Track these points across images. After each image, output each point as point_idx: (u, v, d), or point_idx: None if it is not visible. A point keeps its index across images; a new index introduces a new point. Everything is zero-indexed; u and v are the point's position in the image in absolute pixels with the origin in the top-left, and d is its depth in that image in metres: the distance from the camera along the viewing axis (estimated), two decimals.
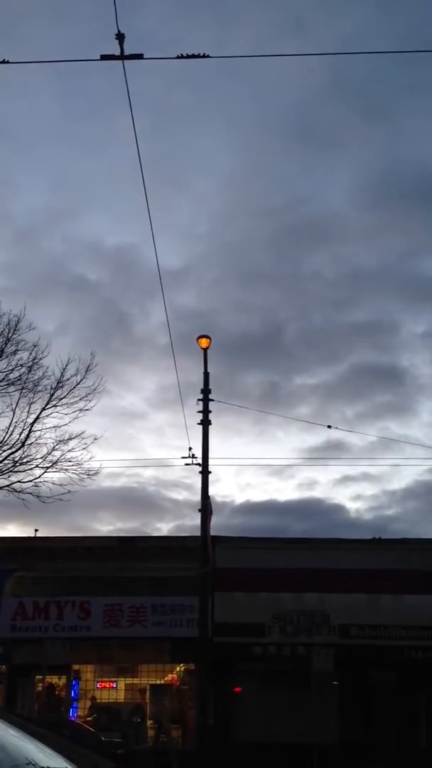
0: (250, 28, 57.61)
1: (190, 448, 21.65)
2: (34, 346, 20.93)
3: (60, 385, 21.03)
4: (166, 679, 22.47)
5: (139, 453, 60.13)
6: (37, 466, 20.61)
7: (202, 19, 61.52)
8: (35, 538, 24.97)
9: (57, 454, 20.82)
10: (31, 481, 20.41)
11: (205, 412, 20.98)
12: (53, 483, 20.57)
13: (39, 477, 20.48)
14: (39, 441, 20.89)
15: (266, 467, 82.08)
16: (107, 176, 63.43)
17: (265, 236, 58.68)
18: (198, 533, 20.79)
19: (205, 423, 20.86)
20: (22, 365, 20.86)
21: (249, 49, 53.93)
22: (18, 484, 20.35)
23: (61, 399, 21.08)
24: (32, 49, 55.57)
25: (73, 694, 22.20)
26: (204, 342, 21.49)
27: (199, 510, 20.66)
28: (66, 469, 20.81)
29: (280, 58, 55.70)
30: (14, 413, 20.77)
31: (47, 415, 20.97)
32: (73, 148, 64.26)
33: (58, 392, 21.04)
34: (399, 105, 62.88)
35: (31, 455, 20.71)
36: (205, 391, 21.26)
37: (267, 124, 59.63)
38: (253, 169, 60.59)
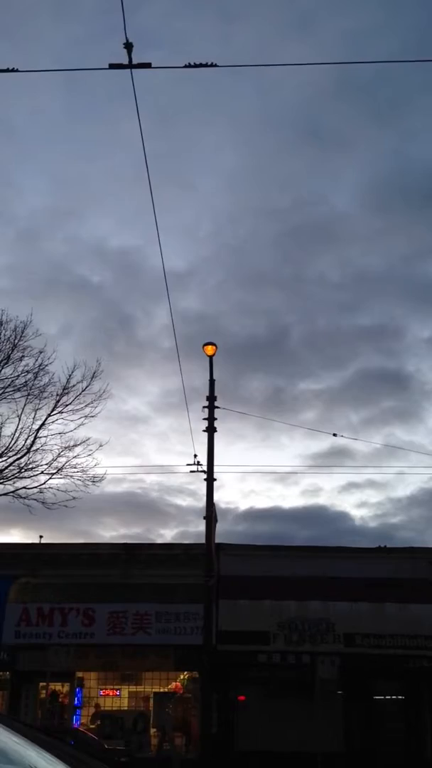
0: (255, 24, 57.75)
1: (195, 455, 21.62)
2: (40, 352, 21.02)
3: (66, 391, 21.10)
4: (169, 686, 22.41)
5: (143, 458, 60.13)
6: (42, 473, 20.65)
7: (208, 16, 61.69)
8: (40, 544, 24.96)
9: (62, 460, 20.86)
10: (36, 487, 20.44)
11: (211, 419, 20.93)
12: (58, 489, 20.62)
13: (44, 483, 20.52)
14: (44, 447, 20.94)
15: (270, 473, 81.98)
16: (110, 177, 63.50)
17: (270, 238, 58.72)
18: (202, 540, 20.74)
19: (211, 431, 20.81)
20: (28, 371, 20.94)
21: (255, 46, 53.71)
22: (23, 490, 20.39)
23: (67, 405, 21.14)
24: (37, 47, 55.89)
25: (76, 701, 22.16)
26: (210, 349, 21.41)
27: (204, 518, 20.61)
28: (71, 476, 20.84)
29: (286, 55, 55.81)
30: (20, 419, 20.83)
31: (53, 422, 21.03)
32: (76, 148, 64.37)
33: (64, 398, 21.11)
34: (407, 105, 62.99)
35: (36, 461, 20.76)
36: (211, 398, 21.22)
37: (272, 124, 59.72)
38: (257, 170, 60.66)
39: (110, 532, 68.54)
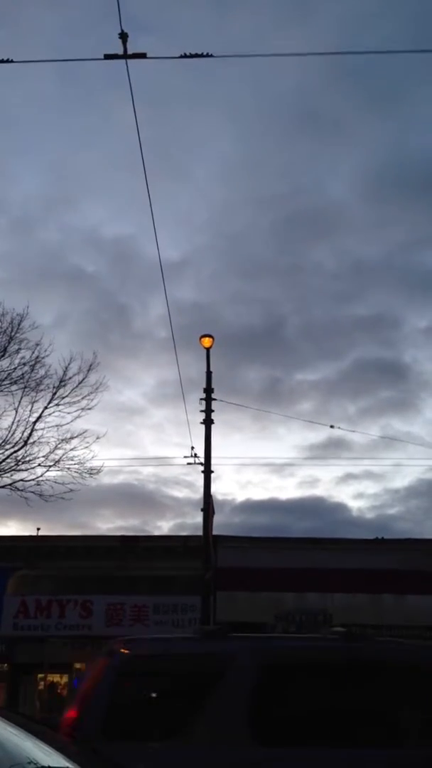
0: (250, 9, 57.09)
1: (192, 448, 21.63)
2: (37, 344, 21.01)
3: (62, 383, 21.09)
4: None
5: (139, 449, 59.95)
6: (39, 465, 20.66)
7: (202, 1, 60.99)
8: (38, 536, 24.99)
9: (59, 452, 20.87)
10: (33, 479, 20.45)
11: (208, 412, 20.85)
12: (55, 482, 20.62)
13: (41, 476, 20.52)
14: (41, 440, 20.94)
15: (267, 465, 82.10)
16: (104, 165, 62.88)
17: (266, 226, 58.30)
18: (199, 531, 20.76)
19: (208, 423, 20.75)
20: (24, 364, 20.92)
21: (250, 32, 53.15)
22: (20, 482, 20.40)
23: (64, 398, 21.13)
24: (29, 32, 55.05)
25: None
26: (207, 341, 21.28)
27: (202, 509, 20.61)
28: (68, 468, 20.85)
29: (282, 41, 55.22)
30: (17, 412, 20.83)
31: (50, 414, 21.03)
32: (70, 135, 63.71)
33: (61, 391, 21.10)
34: (405, 91, 62.35)
35: (33, 454, 20.76)
36: (208, 390, 21.13)
37: (268, 111, 59.06)
38: (253, 158, 60.16)
39: (107, 524, 68.70)
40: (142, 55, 8.58)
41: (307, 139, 60.39)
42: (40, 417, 20.90)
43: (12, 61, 8.84)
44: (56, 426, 21.06)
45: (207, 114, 61.24)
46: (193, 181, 60.67)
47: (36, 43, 54.33)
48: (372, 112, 59.95)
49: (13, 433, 20.71)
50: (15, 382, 20.84)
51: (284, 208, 57.06)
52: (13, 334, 20.83)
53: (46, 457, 20.74)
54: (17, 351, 20.92)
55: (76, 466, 20.91)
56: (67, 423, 21.11)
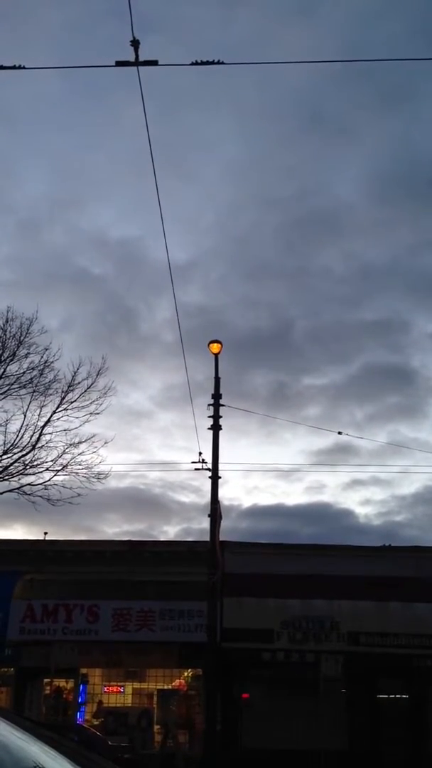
0: (258, 8, 57.01)
1: (200, 453, 21.59)
2: (46, 349, 21.08)
3: (71, 388, 21.15)
4: (173, 684, 22.46)
5: (145, 453, 59.83)
6: (47, 469, 20.71)
7: (210, 1, 60.84)
8: (45, 541, 25.01)
9: (67, 457, 20.92)
10: (41, 483, 20.50)
11: (216, 418, 20.81)
12: (63, 486, 20.66)
13: (49, 480, 20.57)
14: (49, 444, 20.99)
15: (274, 470, 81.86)
16: (111, 166, 62.80)
17: (273, 229, 58.12)
18: (206, 537, 20.72)
19: (216, 429, 20.72)
20: (33, 368, 20.99)
21: (257, 31, 53.08)
22: (28, 486, 20.45)
23: (72, 402, 21.19)
24: (34, 29, 55.15)
25: (80, 698, 22.22)
26: (215, 347, 21.26)
27: (209, 515, 20.58)
28: (76, 472, 20.89)
29: (290, 39, 55.21)
30: (25, 416, 20.89)
31: (58, 418, 21.08)
32: (76, 137, 63.72)
33: (69, 395, 21.16)
34: (415, 90, 62.26)
35: (41, 458, 20.81)
36: (216, 397, 21.10)
37: (275, 112, 58.99)
38: (260, 159, 60.05)
39: (113, 528, 68.61)
40: (154, 63, 8.61)
41: (313, 140, 60.31)
42: (48, 421, 20.98)
43: (23, 68, 8.90)
44: (64, 430, 21.14)
45: (214, 115, 61.26)
46: (200, 183, 60.64)
47: (41, 41, 54.51)
48: (379, 113, 59.82)
49: (22, 437, 20.79)
50: (24, 386, 20.93)
51: (291, 210, 56.96)
52: (22, 338, 20.93)
53: (54, 461, 20.82)
54: (26, 355, 21.02)
55: (84, 470, 20.98)
56: (76, 427, 21.18)
